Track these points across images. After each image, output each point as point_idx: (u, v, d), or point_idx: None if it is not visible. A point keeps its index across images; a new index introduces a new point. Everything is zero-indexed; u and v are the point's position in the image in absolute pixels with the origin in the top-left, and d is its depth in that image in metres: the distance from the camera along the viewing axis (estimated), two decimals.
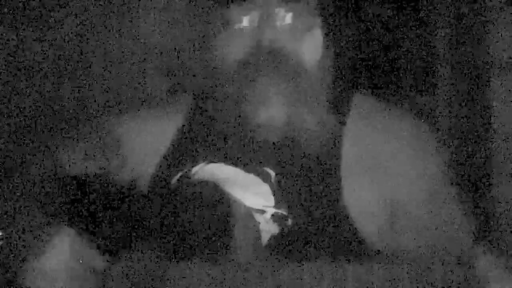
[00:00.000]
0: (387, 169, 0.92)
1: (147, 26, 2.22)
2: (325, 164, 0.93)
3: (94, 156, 1.00)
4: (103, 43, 2.22)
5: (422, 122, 0.98)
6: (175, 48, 2.20)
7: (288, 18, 0.92)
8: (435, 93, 2.17)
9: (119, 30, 2.22)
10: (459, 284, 0.66)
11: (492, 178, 1.86)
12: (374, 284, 0.66)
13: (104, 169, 0.98)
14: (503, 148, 1.86)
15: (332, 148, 0.94)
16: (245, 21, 0.92)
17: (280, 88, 0.92)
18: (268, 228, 0.91)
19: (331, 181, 0.91)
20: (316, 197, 0.91)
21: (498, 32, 1.87)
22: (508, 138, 1.85)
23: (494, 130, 1.86)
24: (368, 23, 2.21)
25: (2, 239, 0.92)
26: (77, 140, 1.05)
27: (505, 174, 1.85)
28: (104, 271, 0.84)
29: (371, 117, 0.98)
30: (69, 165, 1.02)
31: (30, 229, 0.86)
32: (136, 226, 0.89)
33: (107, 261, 0.85)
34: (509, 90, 1.87)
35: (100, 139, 1.02)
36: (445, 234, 0.87)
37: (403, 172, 0.92)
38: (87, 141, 1.03)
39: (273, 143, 0.95)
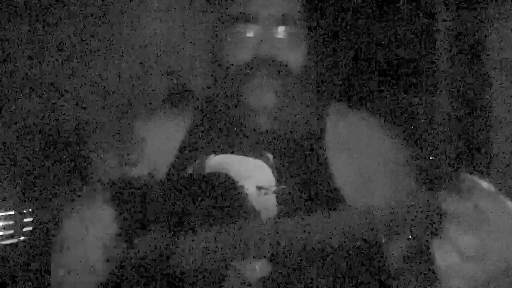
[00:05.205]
0: (362, 152, 1.20)
1: (149, 28, 2.22)
2: (313, 146, 1.19)
3: (126, 157, 1.11)
4: (105, 43, 2.22)
5: (383, 122, 1.26)
6: (178, 52, 2.21)
7: (282, 33, 1.17)
8: (435, 93, 2.17)
9: (120, 31, 2.23)
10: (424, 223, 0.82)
11: (492, 178, 1.86)
12: (355, 230, 0.85)
13: (130, 165, 1.08)
14: (503, 148, 1.86)
15: (317, 134, 1.20)
16: (249, 33, 1.16)
17: (272, 85, 1.16)
18: (267, 215, 1.09)
19: (319, 159, 1.17)
20: (309, 173, 1.15)
21: (498, 32, 1.88)
22: (508, 138, 1.86)
23: (494, 130, 1.87)
24: (367, 24, 2.21)
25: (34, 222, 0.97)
26: (106, 144, 1.19)
27: (505, 174, 1.86)
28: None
29: (347, 118, 1.24)
30: (104, 170, 1.11)
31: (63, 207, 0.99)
32: (151, 215, 1.00)
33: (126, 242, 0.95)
34: (509, 90, 1.87)
35: (125, 140, 1.14)
36: (404, 197, 1.08)
37: (373, 154, 1.19)
38: (116, 145, 1.16)
39: (267, 130, 1.18)
